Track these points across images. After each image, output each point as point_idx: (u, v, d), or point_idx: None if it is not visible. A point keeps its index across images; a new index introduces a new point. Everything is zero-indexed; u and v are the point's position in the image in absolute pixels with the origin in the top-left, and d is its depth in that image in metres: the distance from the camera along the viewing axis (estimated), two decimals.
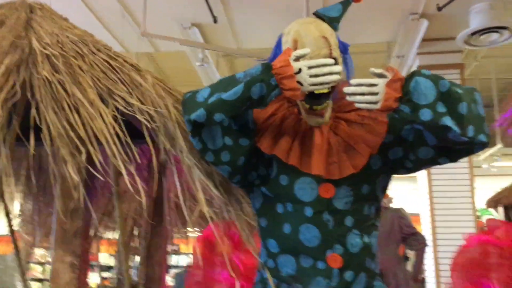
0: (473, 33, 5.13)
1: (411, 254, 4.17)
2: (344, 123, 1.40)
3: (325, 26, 1.37)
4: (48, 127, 1.17)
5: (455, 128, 1.18)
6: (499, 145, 8.14)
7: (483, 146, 1.26)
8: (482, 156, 8.94)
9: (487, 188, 7.12)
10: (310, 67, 1.24)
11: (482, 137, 1.23)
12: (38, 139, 1.30)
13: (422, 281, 5.45)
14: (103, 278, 7.87)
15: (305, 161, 1.35)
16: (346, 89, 1.24)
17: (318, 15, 1.40)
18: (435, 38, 5.78)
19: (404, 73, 6.43)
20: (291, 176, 1.37)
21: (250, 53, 5.54)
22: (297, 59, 1.26)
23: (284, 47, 1.37)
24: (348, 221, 1.36)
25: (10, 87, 1.17)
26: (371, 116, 1.38)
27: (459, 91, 1.21)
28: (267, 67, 1.25)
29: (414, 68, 6.12)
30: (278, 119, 1.40)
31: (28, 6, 1.83)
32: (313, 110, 1.35)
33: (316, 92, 1.29)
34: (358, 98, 1.23)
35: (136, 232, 3.14)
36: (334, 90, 1.36)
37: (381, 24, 5.65)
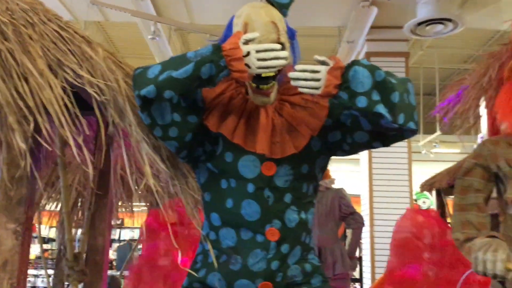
0: (420, 23, 5.33)
1: (349, 232, 4.36)
2: (288, 105, 1.47)
3: (275, 12, 1.43)
4: None
5: (387, 115, 1.28)
6: (438, 132, 8.54)
7: (412, 132, 1.36)
8: (421, 142, 9.34)
9: (425, 173, 7.48)
10: (258, 51, 1.30)
11: (411, 125, 1.33)
12: None
13: (358, 259, 5.71)
14: (44, 250, 7.74)
15: (250, 139, 1.42)
16: (291, 74, 1.31)
17: (269, 0, 1.46)
18: (384, 26, 5.95)
19: (353, 58, 6.59)
20: (235, 154, 1.43)
21: (202, 29, 5.52)
22: (246, 42, 1.32)
23: (235, 29, 1.42)
24: (287, 198, 1.44)
25: None
26: (313, 100, 1.46)
27: (393, 81, 1.31)
28: (217, 48, 1.30)
29: (362, 54, 6.29)
30: (226, 99, 1.46)
31: None
32: (259, 89, 1.41)
33: (263, 75, 1.35)
34: (301, 83, 1.30)
35: (79, 204, 3.12)
36: (280, 73, 1.42)
37: (333, 9, 5.76)
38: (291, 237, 1.45)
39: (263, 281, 1.41)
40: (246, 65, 1.30)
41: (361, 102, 1.27)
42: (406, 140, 6.11)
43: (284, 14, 1.46)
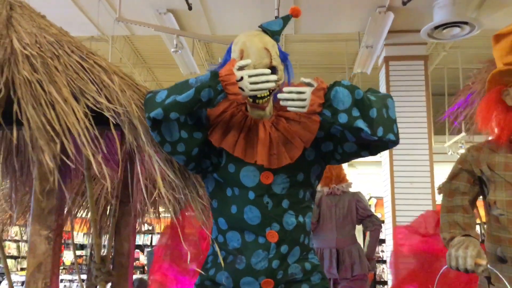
0: (436, 27, 5.39)
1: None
2: (284, 120, 1.64)
3: (268, 39, 1.60)
4: (28, 121, 1.37)
5: (366, 129, 1.43)
6: (463, 133, 8.51)
7: (393, 143, 1.51)
8: (447, 143, 9.33)
9: None
10: (250, 76, 1.48)
11: (390, 136, 1.48)
12: (18, 124, 1.49)
13: (376, 260, 5.77)
14: (77, 256, 8.05)
15: (249, 152, 1.59)
16: (280, 95, 1.48)
17: (262, 28, 1.63)
18: (401, 30, 6.03)
19: (372, 62, 6.68)
20: (237, 165, 1.61)
21: (223, 40, 5.72)
22: (241, 68, 1.49)
23: (232, 55, 1.60)
24: (285, 203, 1.61)
25: None
26: (306, 115, 1.62)
27: (372, 98, 1.46)
28: (214, 75, 1.48)
29: (382, 58, 6.38)
30: (228, 116, 1.64)
31: (8, 3, 1.98)
32: (256, 103, 1.59)
33: (258, 95, 1.53)
34: (289, 103, 1.48)
35: (108, 211, 3.34)
36: (275, 91, 1.59)
37: (351, 15, 5.87)
38: (289, 238, 1.61)
39: (265, 278, 1.58)
40: (241, 88, 1.48)
41: (342, 118, 1.43)
42: (428, 141, 6.10)
43: (277, 40, 1.63)
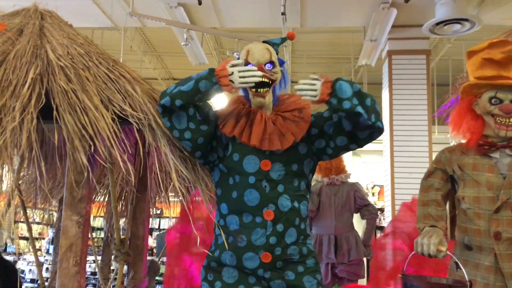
0: (438, 23, 5.58)
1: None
2: (281, 118, 1.96)
3: (269, 46, 1.98)
4: (66, 125, 1.63)
5: (365, 114, 1.77)
6: None
7: (379, 131, 1.84)
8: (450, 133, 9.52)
9: None
10: (239, 71, 1.84)
11: (379, 124, 1.82)
12: (48, 118, 1.75)
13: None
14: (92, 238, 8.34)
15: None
16: (296, 86, 1.82)
17: (265, 42, 1.99)
18: (404, 25, 6.21)
19: (377, 55, 6.88)
20: (241, 155, 1.92)
21: (230, 34, 5.94)
22: (233, 66, 1.84)
23: (240, 55, 1.97)
24: (280, 187, 1.90)
25: (37, 94, 1.63)
26: (300, 115, 1.94)
27: (364, 91, 1.80)
28: (211, 70, 1.84)
29: (385, 52, 6.58)
30: (236, 112, 1.96)
31: (39, 13, 2.23)
32: (257, 92, 1.93)
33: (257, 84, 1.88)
34: (303, 92, 1.81)
35: (123, 197, 3.60)
36: (274, 84, 1.95)
37: (356, 10, 6.05)
38: (283, 218, 1.88)
39: (264, 252, 1.86)
40: (231, 81, 1.83)
41: (346, 104, 1.77)
42: (427, 133, 6.27)
43: (276, 50, 1.99)
